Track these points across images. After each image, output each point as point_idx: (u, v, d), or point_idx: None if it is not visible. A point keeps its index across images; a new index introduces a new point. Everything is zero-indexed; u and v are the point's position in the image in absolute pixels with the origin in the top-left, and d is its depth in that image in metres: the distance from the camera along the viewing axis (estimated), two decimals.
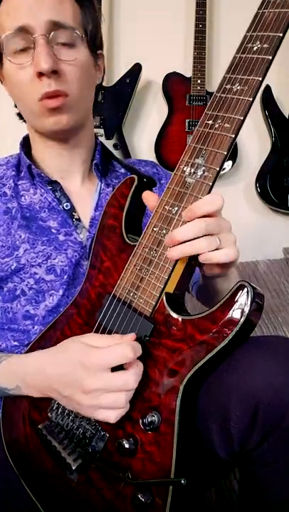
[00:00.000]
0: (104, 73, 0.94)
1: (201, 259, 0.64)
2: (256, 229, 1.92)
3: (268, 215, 1.98)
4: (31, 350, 0.80)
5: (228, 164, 1.88)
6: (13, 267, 0.85)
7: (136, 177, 0.77)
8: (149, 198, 0.71)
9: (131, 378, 0.61)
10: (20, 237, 0.87)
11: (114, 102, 1.83)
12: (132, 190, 0.77)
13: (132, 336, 0.64)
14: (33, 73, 0.78)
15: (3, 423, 0.80)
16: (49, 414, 0.73)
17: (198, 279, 1.00)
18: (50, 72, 0.77)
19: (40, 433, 0.71)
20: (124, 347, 0.61)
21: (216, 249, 0.63)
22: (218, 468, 0.74)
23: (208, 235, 0.63)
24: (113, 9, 1.89)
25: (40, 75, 0.78)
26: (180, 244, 0.63)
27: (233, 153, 1.90)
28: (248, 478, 0.67)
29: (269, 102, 1.89)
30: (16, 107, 0.93)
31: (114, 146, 1.83)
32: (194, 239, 0.63)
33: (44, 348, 0.73)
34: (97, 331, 0.72)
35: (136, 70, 1.84)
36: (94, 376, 0.61)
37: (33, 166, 0.91)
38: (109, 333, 0.70)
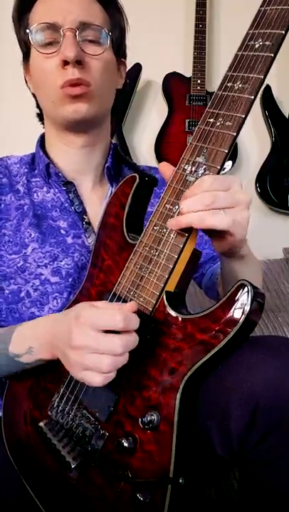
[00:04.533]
0: (125, 81, 0.98)
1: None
2: (256, 229, 1.91)
3: (268, 215, 1.98)
4: None
5: (228, 164, 1.88)
6: (19, 265, 0.85)
7: (137, 176, 0.77)
8: (166, 168, 0.71)
9: (117, 343, 0.58)
10: (30, 235, 0.87)
11: (114, 101, 1.83)
12: (134, 188, 0.76)
13: (132, 304, 0.62)
14: (58, 62, 0.81)
15: (3, 421, 0.80)
16: (49, 413, 0.73)
17: (213, 280, 1.00)
18: (75, 62, 0.80)
19: (40, 431, 0.71)
20: (115, 312, 0.59)
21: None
22: (218, 468, 0.74)
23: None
24: None
25: (65, 63, 0.81)
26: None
27: (233, 153, 1.89)
28: (248, 478, 0.67)
29: (269, 102, 1.89)
30: (37, 107, 0.96)
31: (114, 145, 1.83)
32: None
33: None
34: None
35: (136, 70, 1.84)
36: (81, 332, 0.60)
37: (51, 165, 0.92)
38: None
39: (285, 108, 1.91)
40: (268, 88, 1.88)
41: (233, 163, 1.90)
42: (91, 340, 0.59)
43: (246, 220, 0.65)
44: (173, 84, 1.89)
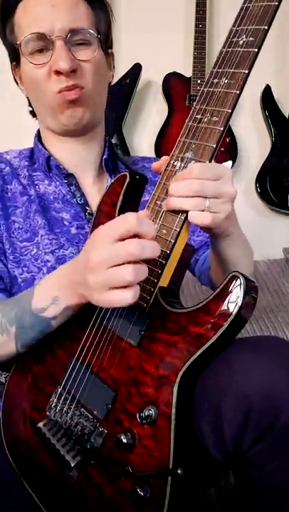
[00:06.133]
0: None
1: (189, 217, 0.65)
2: (256, 229, 1.92)
3: (268, 215, 1.98)
4: None
5: (228, 164, 1.88)
6: (33, 253, 0.86)
7: (128, 174, 0.77)
8: (158, 165, 0.72)
9: (132, 244, 0.55)
10: (38, 222, 0.89)
11: (114, 101, 1.83)
12: (124, 187, 0.76)
13: (144, 211, 0.65)
14: (51, 70, 0.82)
15: (3, 422, 0.80)
16: (47, 413, 0.73)
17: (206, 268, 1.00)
18: (69, 72, 0.81)
19: (39, 431, 0.71)
20: (127, 216, 0.57)
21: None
22: (215, 468, 0.74)
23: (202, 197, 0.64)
24: (113, 9, 1.89)
25: (58, 73, 0.81)
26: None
27: (233, 154, 1.90)
28: (243, 480, 0.66)
29: (269, 102, 1.89)
30: (29, 105, 0.97)
31: (114, 145, 1.83)
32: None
33: None
34: (92, 327, 0.72)
35: (136, 70, 1.84)
36: (97, 249, 0.58)
37: (52, 158, 0.92)
38: (105, 328, 0.70)
39: (285, 108, 1.91)
40: (268, 88, 1.87)
41: (233, 164, 1.90)
42: (107, 252, 0.57)
43: (226, 212, 0.66)
44: (173, 84, 1.89)
